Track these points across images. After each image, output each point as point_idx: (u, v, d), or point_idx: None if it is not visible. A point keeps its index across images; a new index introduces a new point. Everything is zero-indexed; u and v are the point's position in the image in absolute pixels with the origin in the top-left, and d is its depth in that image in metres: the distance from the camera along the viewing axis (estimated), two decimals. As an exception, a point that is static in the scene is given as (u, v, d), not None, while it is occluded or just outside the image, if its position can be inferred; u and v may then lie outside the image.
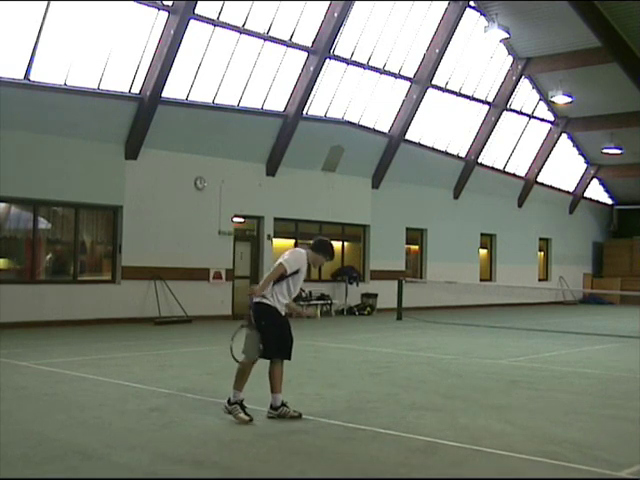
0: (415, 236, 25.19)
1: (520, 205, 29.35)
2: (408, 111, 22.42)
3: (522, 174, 28.90)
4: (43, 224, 16.79)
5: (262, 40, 18.36)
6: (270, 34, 18.42)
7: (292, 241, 21.44)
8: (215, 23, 17.37)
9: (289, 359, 7.23)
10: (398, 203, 23.81)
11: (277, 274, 7.04)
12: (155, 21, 16.44)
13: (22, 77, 15.25)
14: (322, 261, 7.49)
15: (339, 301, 21.83)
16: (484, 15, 22.54)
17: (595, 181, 33.00)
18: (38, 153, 15.93)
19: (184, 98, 17.88)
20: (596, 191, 33.73)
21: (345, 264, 22.71)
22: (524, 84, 26.17)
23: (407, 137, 23.10)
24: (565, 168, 30.91)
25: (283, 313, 7.21)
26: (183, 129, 18.11)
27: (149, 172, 17.68)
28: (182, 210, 18.34)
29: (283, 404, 7.09)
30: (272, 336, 7.07)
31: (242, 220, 19.94)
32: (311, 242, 7.53)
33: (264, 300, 7.13)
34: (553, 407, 8.05)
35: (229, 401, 7.01)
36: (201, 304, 18.46)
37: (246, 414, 6.90)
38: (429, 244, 25.39)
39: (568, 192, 31.93)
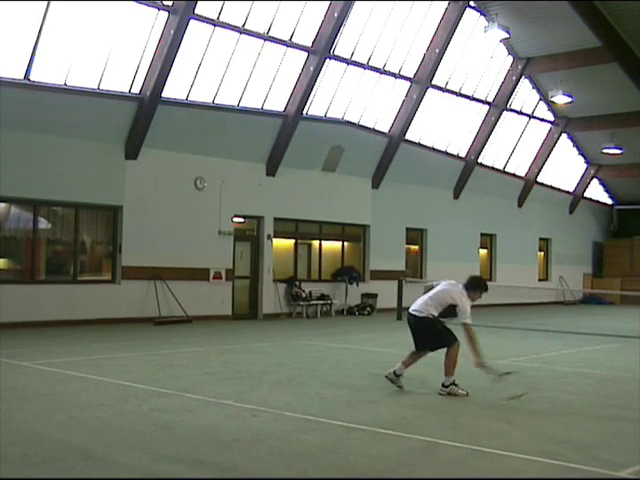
0: (415, 236, 25.19)
1: (520, 205, 29.35)
2: (408, 111, 22.42)
3: (522, 174, 28.90)
4: (43, 224, 16.78)
5: (262, 40, 18.35)
6: (270, 34, 18.41)
7: (292, 241, 21.47)
8: (215, 23, 17.37)
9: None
10: (398, 203, 23.80)
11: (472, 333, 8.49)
12: (155, 21, 16.43)
13: (22, 77, 15.24)
14: (478, 297, 8.75)
15: (339, 301, 21.83)
16: (484, 15, 22.54)
17: (595, 181, 32.99)
18: (38, 153, 15.93)
19: (184, 98, 17.87)
20: (596, 191, 33.72)
21: (345, 264, 22.72)
22: (524, 84, 26.16)
23: (407, 137, 23.10)
24: (565, 168, 30.90)
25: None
26: (183, 129, 18.11)
27: (149, 172, 17.68)
28: (182, 210, 18.34)
29: (453, 383, 8.54)
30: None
31: (242, 220, 19.94)
32: (467, 281, 8.78)
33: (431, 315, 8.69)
34: (553, 407, 8.05)
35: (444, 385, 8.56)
36: (201, 304, 18.46)
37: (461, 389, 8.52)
38: (429, 244, 25.38)
39: (568, 192, 31.92)
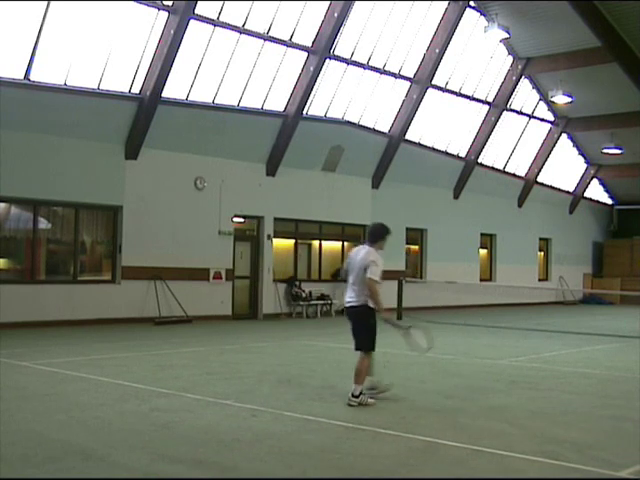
0: (415, 236, 25.18)
1: (520, 205, 29.36)
2: (408, 111, 22.42)
3: (522, 174, 28.91)
4: (43, 224, 16.78)
5: (262, 40, 18.36)
6: (270, 34, 18.42)
7: (292, 241, 21.46)
8: (215, 23, 17.37)
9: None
10: (398, 203, 23.79)
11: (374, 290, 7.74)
12: (155, 21, 16.44)
13: (22, 77, 15.24)
14: (384, 243, 8.11)
15: (339, 301, 21.80)
16: (484, 15, 22.54)
17: (595, 181, 33.01)
18: (38, 153, 15.93)
19: (184, 98, 17.87)
20: (596, 191, 33.74)
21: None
22: (524, 84, 26.17)
23: (407, 137, 23.10)
24: (565, 168, 30.91)
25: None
26: (183, 129, 18.11)
27: (149, 172, 17.68)
28: (182, 210, 18.34)
29: (363, 393, 7.78)
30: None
31: (242, 220, 19.94)
32: (367, 234, 8.20)
33: (368, 303, 7.83)
34: (553, 407, 8.05)
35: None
36: (201, 304, 18.46)
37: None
38: (429, 244, 25.38)
39: (568, 192, 31.93)
